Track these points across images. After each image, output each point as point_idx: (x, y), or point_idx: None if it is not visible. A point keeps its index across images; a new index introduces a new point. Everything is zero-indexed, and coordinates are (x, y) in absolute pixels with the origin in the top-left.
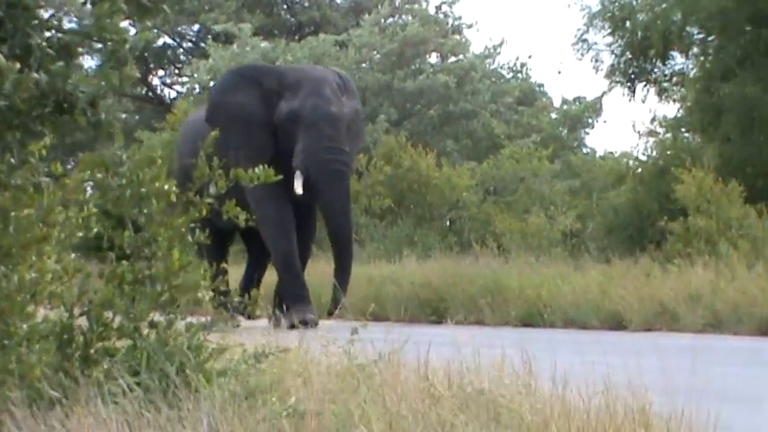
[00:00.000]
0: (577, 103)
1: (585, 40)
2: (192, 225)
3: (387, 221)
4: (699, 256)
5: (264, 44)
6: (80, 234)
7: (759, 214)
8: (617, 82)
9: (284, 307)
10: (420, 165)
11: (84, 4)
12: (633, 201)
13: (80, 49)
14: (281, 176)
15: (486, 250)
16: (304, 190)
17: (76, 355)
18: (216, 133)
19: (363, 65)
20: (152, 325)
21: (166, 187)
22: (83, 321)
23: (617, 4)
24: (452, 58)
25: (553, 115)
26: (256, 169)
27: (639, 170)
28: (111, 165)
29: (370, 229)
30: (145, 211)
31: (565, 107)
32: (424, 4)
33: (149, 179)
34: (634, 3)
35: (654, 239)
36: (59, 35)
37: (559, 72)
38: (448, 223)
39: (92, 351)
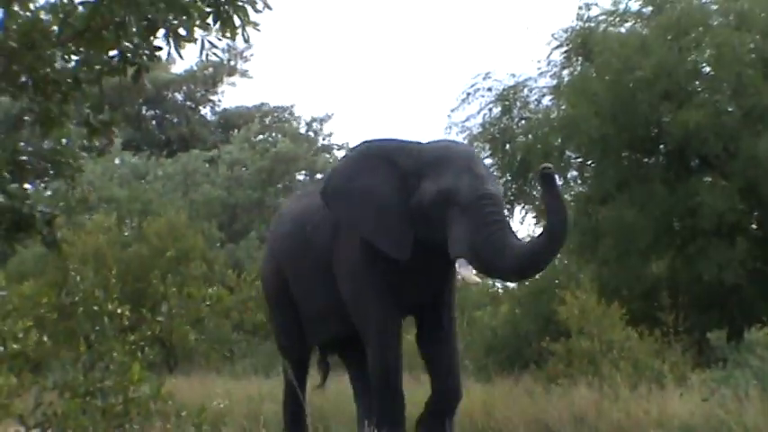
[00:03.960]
0: None
1: None
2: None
3: (259, 337)
4: (582, 376)
5: (135, 159)
6: (15, 346)
7: (640, 336)
8: None
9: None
10: None
11: (33, 125)
12: (511, 321)
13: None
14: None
15: None
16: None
17: None
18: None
19: (234, 181)
20: None
21: (119, 311)
22: None
23: (497, 126)
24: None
25: None
26: (210, 290)
27: (517, 291)
28: (64, 284)
29: (242, 346)
30: (97, 327)
31: None
32: (294, 123)
33: (102, 299)
34: (514, 126)
35: (533, 359)
36: (16, 157)
37: None
38: None
39: None
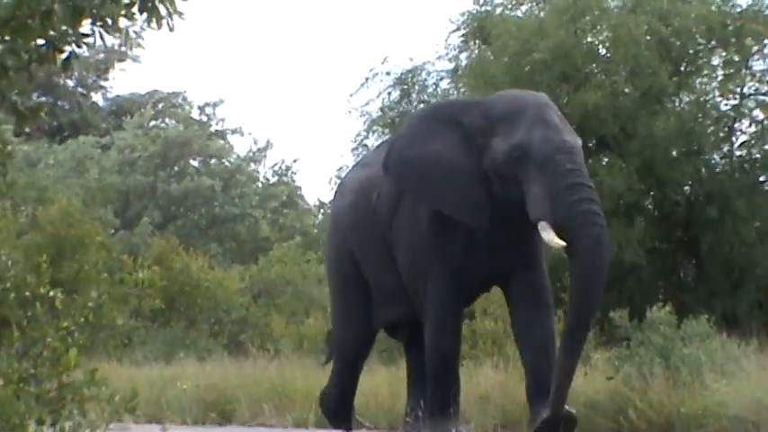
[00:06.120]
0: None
1: (365, 145)
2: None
3: (158, 323)
4: (486, 357)
5: (26, 147)
6: None
7: None
8: None
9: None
10: (191, 267)
11: None
12: None
13: None
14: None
15: (263, 353)
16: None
17: None
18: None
19: (127, 167)
20: (39, 422)
21: (51, 293)
22: None
23: (396, 110)
24: (217, 161)
25: (318, 218)
26: (140, 273)
27: None
28: None
29: (141, 332)
30: (29, 313)
31: (329, 211)
32: (187, 108)
33: (34, 284)
34: (413, 110)
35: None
36: None
37: (339, 177)
38: (214, 326)
39: None
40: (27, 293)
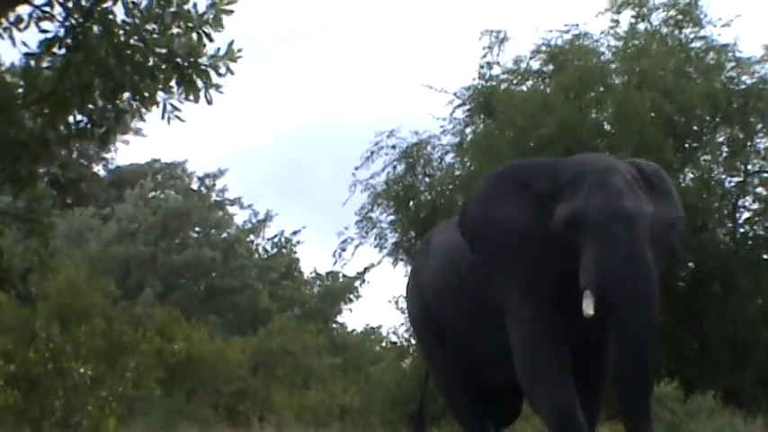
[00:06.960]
0: (330, 278)
1: (370, 218)
2: None
3: (160, 394)
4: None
5: None
6: None
7: None
8: (401, 259)
9: None
10: (193, 338)
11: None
12: (417, 375)
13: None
14: None
15: (265, 423)
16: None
17: None
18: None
19: (127, 238)
20: None
21: (82, 370)
22: None
23: (401, 184)
24: (217, 232)
25: (315, 289)
26: (176, 345)
27: None
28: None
29: (142, 403)
30: (67, 383)
31: (327, 283)
32: (187, 179)
33: (70, 356)
34: (418, 184)
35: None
36: None
37: (343, 250)
38: (213, 396)
39: None
40: (65, 365)
